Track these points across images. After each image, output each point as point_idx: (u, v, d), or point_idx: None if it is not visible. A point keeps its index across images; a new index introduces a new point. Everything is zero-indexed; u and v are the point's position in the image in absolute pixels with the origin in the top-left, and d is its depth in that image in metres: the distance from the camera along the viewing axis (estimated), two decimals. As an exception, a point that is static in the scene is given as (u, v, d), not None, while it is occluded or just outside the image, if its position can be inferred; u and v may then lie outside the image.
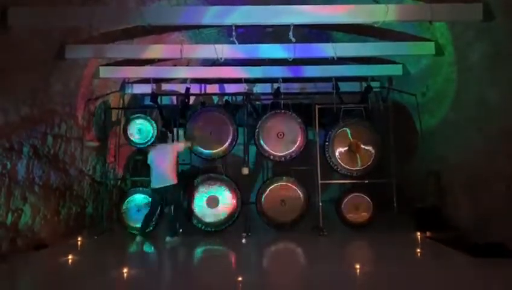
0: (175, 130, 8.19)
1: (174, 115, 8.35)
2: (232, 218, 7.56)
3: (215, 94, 10.23)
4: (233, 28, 5.61)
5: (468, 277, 4.85)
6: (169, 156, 7.02)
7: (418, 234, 6.74)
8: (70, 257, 5.73)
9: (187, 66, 9.27)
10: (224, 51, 6.78)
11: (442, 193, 7.34)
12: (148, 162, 7.15)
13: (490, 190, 5.99)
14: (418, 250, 6.05)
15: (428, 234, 6.75)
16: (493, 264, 5.09)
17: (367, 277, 4.87)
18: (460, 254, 5.60)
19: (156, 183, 6.93)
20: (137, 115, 8.25)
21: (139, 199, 7.60)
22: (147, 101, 9.47)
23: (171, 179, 6.92)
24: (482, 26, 5.66)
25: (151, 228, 7.32)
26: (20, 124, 6.05)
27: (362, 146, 7.63)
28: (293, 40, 5.66)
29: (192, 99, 9.49)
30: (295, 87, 9.44)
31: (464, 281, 4.64)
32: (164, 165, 6.94)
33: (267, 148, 7.88)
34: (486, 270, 4.96)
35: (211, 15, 5.57)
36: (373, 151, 7.61)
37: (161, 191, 6.95)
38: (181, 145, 7.37)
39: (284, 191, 7.65)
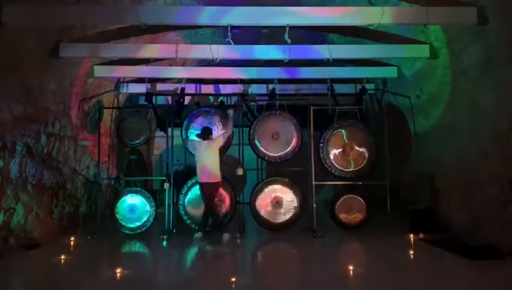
0: (169, 130, 8.15)
1: (169, 115, 8.34)
2: (226, 218, 7.55)
3: (210, 94, 10.20)
4: (229, 28, 5.60)
5: (461, 278, 4.87)
6: (214, 154, 7.03)
7: (412, 235, 6.76)
8: (63, 256, 5.70)
9: (182, 66, 9.25)
10: (220, 51, 6.76)
11: (436, 194, 7.38)
12: (191, 149, 7.28)
13: (483, 192, 6.03)
14: (411, 252, 6.06)
15: (421, 235, 6.78)
16: (486, 266, 5.12)
17: (360, 279, 4.88)
18: (453, 255, 5.62)
19: (202, 179, 6.96)
20: (131, 114, 8.24)
21: (133, 199, 7.57)
22: (142, 101, 9.43)
23: (215, 176, 6.97)
24: (477, 30, 5.70)
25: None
26: (14, 123, 6.01)
27: (356, 148, 7.65)
28: (289, 41, 5.66)
29: (187, 99, 9.47)
30: (290, 88, 9.44)
31: (456, 283, 4.65)
32: (208, 163, 6.96)
33: (262, 149, 7.89)
34: (479, 272, 4.98)
35: (207, 15, 5.56)
36: (367, 153, 7.64)
37: (206, 187, 6.97)
38: (219, 139, 7.23)
39: (279, 192, 7.65)
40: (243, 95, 8.79)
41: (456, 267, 5.29)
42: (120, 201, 7.57)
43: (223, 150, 7.41)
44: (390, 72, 8.32)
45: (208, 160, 6.98)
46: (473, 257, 5.35)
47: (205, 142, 7.16)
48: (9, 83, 5.79)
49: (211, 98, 10.86)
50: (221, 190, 7.32)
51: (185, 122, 8.11)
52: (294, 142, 7.86)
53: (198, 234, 7.05)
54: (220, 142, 7.17)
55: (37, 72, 6.35)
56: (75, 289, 4.65)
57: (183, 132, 8.05)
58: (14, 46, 5.66)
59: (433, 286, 4.51)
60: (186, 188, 7.64)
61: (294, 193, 7.62)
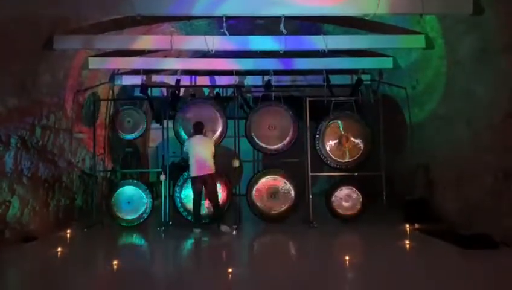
0: (165, 122, 8.13)
1: (164, 107, 8.31)
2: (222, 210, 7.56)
3: (205, 86, 10.18)
4: (224, 19, 5.57)
5: (455, 267, 4.91)
6: (209, 147, 7.06)
7: (407, 226, 6.80)
8: (59, 249, 5.68)
9: (177, 57, 9.21)
10: (215, 42, 6.72)
11: (431, 185, 7.42)
12: (185, 149, 7.16)
13: (478, 182, 6.07)
14: (407, 242, 6.11)
15: (416, 226, 6.82)
16: (480, 255, 5.17)
17: (356, 269, 4.91)
18: (447, 245, 5.66)
19: (196, 172, 6.93)
20: (126, 106, 8.21)
21: (129, 191, 7.57)
22: (137, 93, 9.39)
23: (210, 168, 6.97)
24: (472, 20, 5.69)
25: (207, 220, 7.33)
26: (8, 116, 5.96)
27: (352, 139, 7.67)
28: (285, 32, 5.64)
29: (182, 91, 9.43)
30: (286, 79, 9.43)
31: (450, 272, 4.69)
32: (204, 156, 6.96)
33: (258, 140, 7.89)
34: (473, 261, 5.03)
35: (202, 6, 5.52)
36: (363, 144, 7.66)
37: (201, 180, 6.95)
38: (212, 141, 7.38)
39: (275, 183, 7.67)
40: (239, 87, 8.78)
41: (450, 257, 5.33)
42: (116, 193, 7.56)
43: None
44: (386, 63, 8.33)
45: (202, 153, 6.97)
46: (467, 247, 5.39)
47: (199, 136, 7.16)
48: (3, 75, 5.73)
49: (206, 90, 10.85)
50: (217, 182, 7.29)
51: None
52: (290, 133, 7.87)
53: (197, 230, 6.92)
54: (212, 142, 7.27)
55: (31, 64, 6.28)
56: (71, 282, 4.65)
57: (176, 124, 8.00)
58: (7, 37, 5.59)
59: (427, 275, 4.55)
60: (182, 180, 7.63)
61: (291, 184, 7.64)
